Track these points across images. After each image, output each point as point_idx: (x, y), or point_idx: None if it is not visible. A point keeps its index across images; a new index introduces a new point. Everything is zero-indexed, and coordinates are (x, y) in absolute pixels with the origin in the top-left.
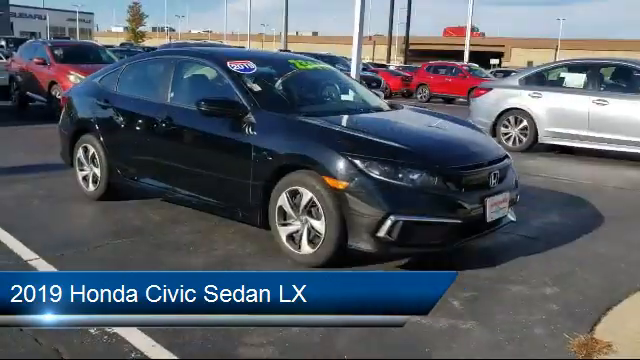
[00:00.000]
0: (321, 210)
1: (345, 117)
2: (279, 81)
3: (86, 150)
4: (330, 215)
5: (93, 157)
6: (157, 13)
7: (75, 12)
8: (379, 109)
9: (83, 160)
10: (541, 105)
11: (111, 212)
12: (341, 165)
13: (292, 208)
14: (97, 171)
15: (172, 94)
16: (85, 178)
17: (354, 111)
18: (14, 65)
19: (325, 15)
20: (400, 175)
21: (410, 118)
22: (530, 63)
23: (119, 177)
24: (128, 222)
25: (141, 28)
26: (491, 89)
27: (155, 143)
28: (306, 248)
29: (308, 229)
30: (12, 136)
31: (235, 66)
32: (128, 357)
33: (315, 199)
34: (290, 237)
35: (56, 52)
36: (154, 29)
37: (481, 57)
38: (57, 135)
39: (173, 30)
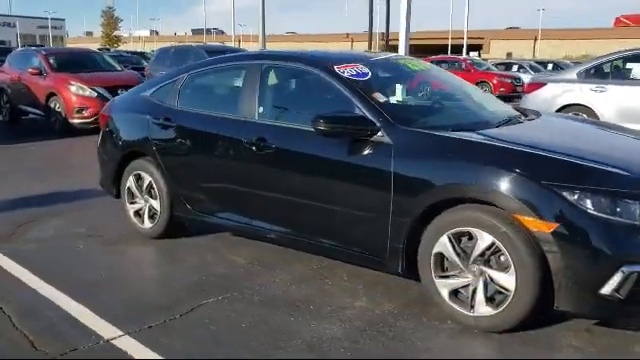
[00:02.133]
0: (509, 259)
1: (507, 131)
2: (401, 88)
3: (139, 178)
4: (524, 266)
5: (150, 187)
6: (128, 16)
7: (45, 19)
8: (519, 118)
9: (135, 190)
10: (606, 100)
11: (181, 256)
12: (544, 199)
13: (458, 256)
14: (155, 204)
15: (261, 109)
16: (138, 212)
17: (502, 122)
18: (2, 76)
19: (299, 14)
20: (620, 209)
21: (578, 129)
22: (509, 55)
23: (186, 211)
24: (209, 270)
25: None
26: (545, 84)
27: (241, 169)
28: (484, 308)
29: (485, 283)
30: (19, 156)
31: (345, 71)
32: None
33: (500, 245)
34: (454, 293)
35: (52, 60)
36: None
37: (459, 50)
38: (71, 152)
39: (157, 33)
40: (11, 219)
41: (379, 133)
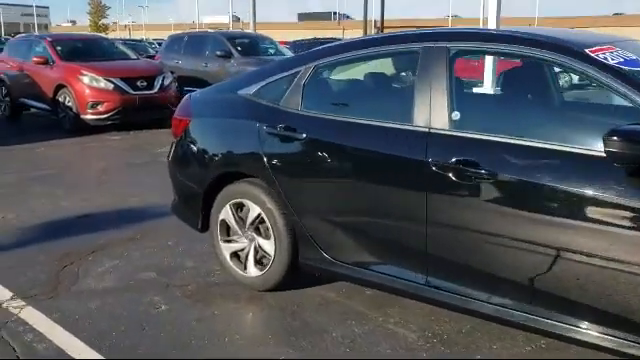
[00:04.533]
0: None
1: None
2: None
3: (240, 208)
4: None
5: (258, 221)
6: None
7: (29, 6)
8: None
9: (234, 225)
10: None
11: (319, 325)
12: None
13: None
14: (266, 244)
15: (456, 115)
16: (237, 255)
17: None
18: (1, 65)
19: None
20: None
21: None
22: None
23: (317, 257)
24: (373, 349)
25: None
26: None
27: (418, 204)
28: None
29: None
30: (28, 160)
31: (606, 57)
32: None
33: None
34: None
35: (59, 48)
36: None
37: None
38: (92, 155)
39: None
40: (49, 257)
41: None
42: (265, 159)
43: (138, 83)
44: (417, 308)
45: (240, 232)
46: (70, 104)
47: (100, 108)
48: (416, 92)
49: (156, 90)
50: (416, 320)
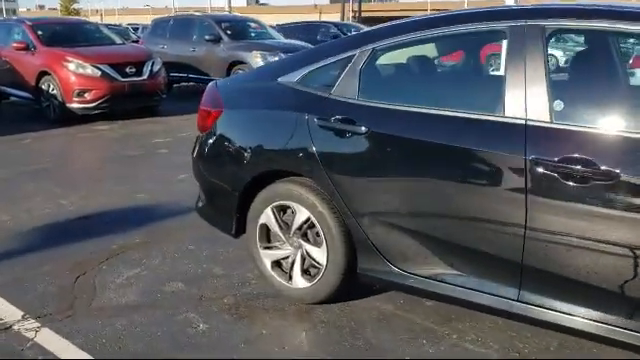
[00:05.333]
0: None
1: None
2: None
3: (283, 211)
4: None
5: (307, 225)
6: None
7: None
8: None
9: (276, 230)
10: None
11: (387, 344)
12: None
13: None
14: (317, 252)
15: (559, 105)
16: (279, 264)
17: None
18: None
19: None
20: None
21: None
22: None
23: (381, 267)
24: None
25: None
26: None
27: (514, 208)
28: None
29: None
30: (15, 153)
31: None
32: None
33: None
34: None
35: (40, 33)
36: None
37: None
38: (84, 148)
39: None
40: (57, 266)
41: None
42: (317, 156)
43: (127, 69)
44: (489, 322)
45: (284, 238)
46: (55, 92)
47: (87, 96)
48: (507, 78)
49: (145, 77)
50: (494, 337)
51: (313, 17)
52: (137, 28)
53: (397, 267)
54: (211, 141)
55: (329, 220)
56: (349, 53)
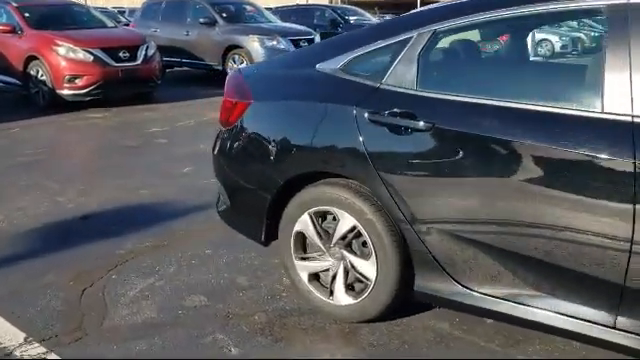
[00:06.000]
0: None
1: None
2: None
3: (323, 217)
4: None
5: (353, 234)
6: None
7: None
8: None
9: (315, 239)
10: None
11: None
12: None
13: None
14: (365, 265)
15: None
16: (316, 277)
17: None
18: None
19: None
20: None
21: None
22: None
23: (443, 284)
24: None
25: None
26: None
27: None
28: None
29: None
30: (2, 143)
31: None
32: None
33: None
34: None
35: (27, 15)
36: None
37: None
38: (76, 137)
39: None
40: (60, 276)
41: None
42: (368, 155)
43: (120, 54)
44: (560, 344)
45: (323, 248)
46: (44, 78)
47: (79, 82)
48: (606, 66)
49: (140, 61)
50: None
51: (299, 0)
52: (123, 11)
53: (463, 285)
54: (238, 137)
55: (380, 229)
56: (404, 36)
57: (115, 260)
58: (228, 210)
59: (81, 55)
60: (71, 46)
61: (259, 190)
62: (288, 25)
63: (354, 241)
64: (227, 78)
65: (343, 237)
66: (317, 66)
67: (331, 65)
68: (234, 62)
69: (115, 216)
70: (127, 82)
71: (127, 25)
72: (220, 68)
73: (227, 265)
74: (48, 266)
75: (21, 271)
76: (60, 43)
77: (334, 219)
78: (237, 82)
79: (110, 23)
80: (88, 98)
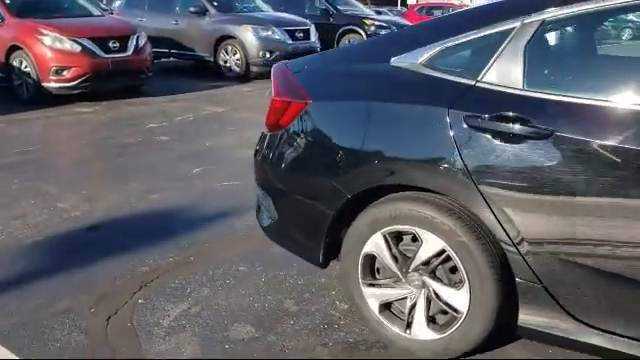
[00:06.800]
0: None
1: None
2: None
3: (399, 238)
4: None
5: (441, 259)
6: None
7: None
8: None
9: (389, 263)
10: None
11: None
12: None
13: None
14: (453, 295)
15: None
16: (389, 307)
17: None
18: None
19: None
20: None
21: None
22: None
23: (563, 324)
24: None
25: None
26: None
27: None
28: None
29: None
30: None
31: None
32: None
33: None
34: None
35: (7, 2)
36: None
37: None
38: (67, 133)
39: None
40: (77, 300)
41: None
42: (466, 166)
43: (109, 44)
44: None
45: (399, 274)
46: (28, 70)
47: (66, 74)
48: None
49: (130, 52)
50: None
51: None
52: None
53: (583, 322)
54: (291, 142)
55: (476, 253)
56: (503, 26)
57: (138, 280)
58: (276, 225)
59: (68, 45)
60: (57, 35)
61: (318, 204)
62: (282, 15)
63: (440, 267)
64: (273, 73)
65: (427, 262)
66: (392, 61)
67: (410, 59)
68: (226, 53)
69: (127, 226)
70: (117, 74)
71: (111, 14)
72: (211, 60)
73: (267, 285)
74: (61, 288)
75: (31, 295)
76: (45, 32)
77: (413, 240)
78: (287, 79)
79: (97, 11)
80: (76, 91)
